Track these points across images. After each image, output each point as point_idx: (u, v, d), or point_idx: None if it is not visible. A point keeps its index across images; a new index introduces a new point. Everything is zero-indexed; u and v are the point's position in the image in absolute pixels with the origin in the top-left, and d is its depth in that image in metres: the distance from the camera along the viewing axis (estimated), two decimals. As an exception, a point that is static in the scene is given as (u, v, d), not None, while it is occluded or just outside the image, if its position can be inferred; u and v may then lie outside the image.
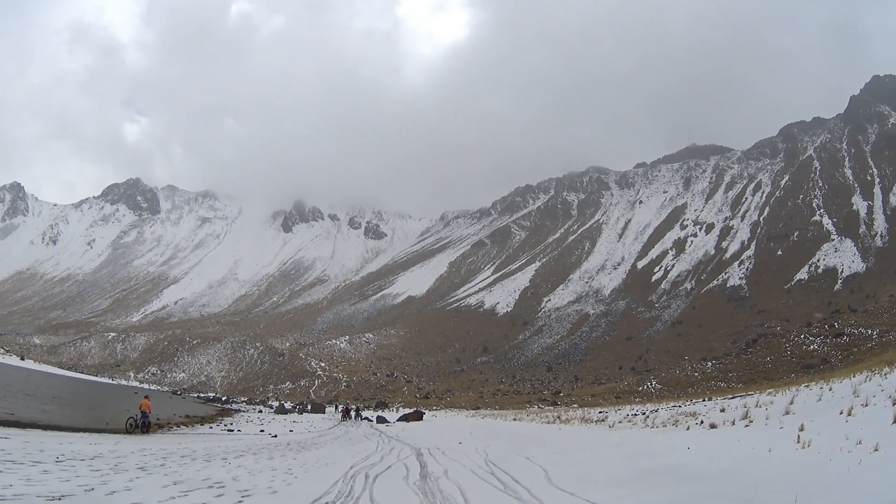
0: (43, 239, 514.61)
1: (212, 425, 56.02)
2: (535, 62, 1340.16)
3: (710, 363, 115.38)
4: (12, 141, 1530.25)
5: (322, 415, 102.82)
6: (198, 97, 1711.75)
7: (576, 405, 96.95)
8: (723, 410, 40.47)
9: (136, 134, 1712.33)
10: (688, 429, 34.43)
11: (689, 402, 60.79)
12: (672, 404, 62.42)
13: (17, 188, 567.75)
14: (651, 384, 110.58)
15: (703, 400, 61.15)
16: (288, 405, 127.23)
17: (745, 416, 32.94)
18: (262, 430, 53.77)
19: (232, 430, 51.63)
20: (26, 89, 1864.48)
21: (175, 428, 50.06)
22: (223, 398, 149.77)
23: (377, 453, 32.06)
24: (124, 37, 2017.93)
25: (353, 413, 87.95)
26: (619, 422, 47.31)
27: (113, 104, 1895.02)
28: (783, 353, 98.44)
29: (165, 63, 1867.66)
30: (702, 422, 35.63)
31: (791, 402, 33.84)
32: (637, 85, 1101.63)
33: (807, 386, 45.99)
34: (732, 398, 52.83)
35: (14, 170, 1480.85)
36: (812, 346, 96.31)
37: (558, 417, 64.20)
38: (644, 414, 51.77)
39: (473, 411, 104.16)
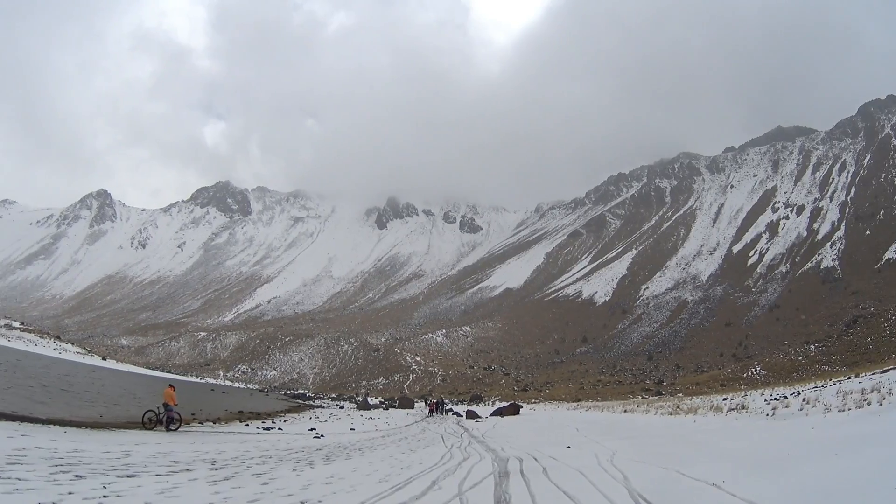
0: (132, 243, 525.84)
1: (259, 423, 49.88)
2: (607, 46, 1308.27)
3: (812, 346, 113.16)
4: (93, 150, 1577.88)
5: (409, 410, 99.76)
6: (274, 98, 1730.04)
7: (680, 394, 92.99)
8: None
9: (216, 138, 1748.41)
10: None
11: (810, 387, 52.36)
12: (791, 390, 53.38)
13: (104, 195, 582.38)
14: (755, 370, 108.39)
15: (825, 383, 52.04)
16: (373, 400, 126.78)
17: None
18: (311, 429, 46.76)
19: (271, 429, 44.59)
20: (95, 99, 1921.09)
21: (210, 424, 44.07)
22: (308, 395, 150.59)
23: (434, 470, 22.20)
24: (190, 42, 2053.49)
25: (442, 408, 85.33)
26: (771, 409, 38.11)
27: (188, 109, 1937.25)
28: (882, 334, 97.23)
29: (237, 66, 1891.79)
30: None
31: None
32: (714, 68, 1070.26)
33: None
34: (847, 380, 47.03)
35: (99, 178, 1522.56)
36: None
37: (678, 407, 55.80)
38: (784, 397, 43.19)
39: (575, 403, 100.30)
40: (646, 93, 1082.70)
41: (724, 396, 62.17)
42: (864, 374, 50.90)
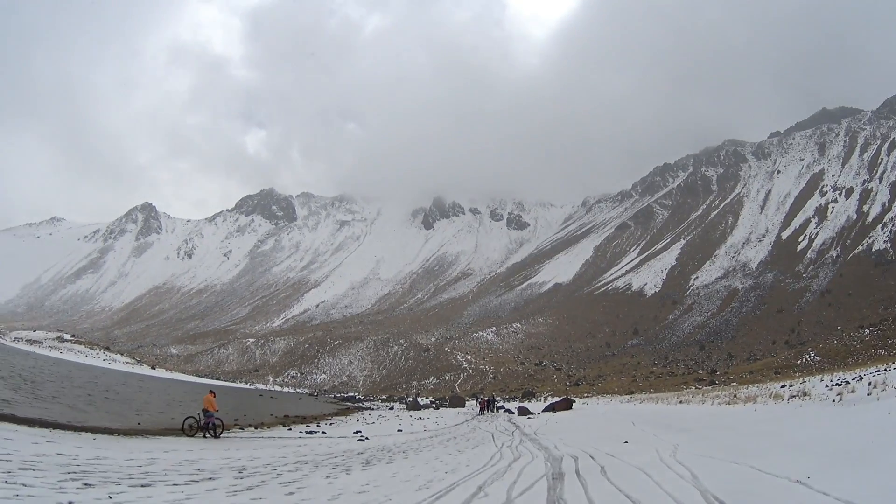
0: (178, 254, 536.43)
1: (303, 427, 48.69)
2: (645, 34, 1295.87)
3: (867, 331, 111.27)
4: (136, 165, 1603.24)
5: (460, 409, 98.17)
6: (313, 104, 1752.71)
7: (734, 383, 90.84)
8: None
9: (257, 146, 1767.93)
10: None
11: (871, 370, 50.26)
12: (850, 375, 52.04)
13: (148, 208, 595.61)
14: (809, 356, 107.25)
15: (887, 366, 50.54)
16: (424, 400, 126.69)
17: None
18: (357, 432, 45.26)
19: (314, 433, 43.43)
20: (136, 115, 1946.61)
21: (251, 430, 43.45)
22: (358, 397, 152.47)
23: (482, 473, 20.50)
24: (226, 52, 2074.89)
25: (493, 405, 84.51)
26: (836, 395, 35.84)
27: (227, 119, 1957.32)
28: None
29: (275, 73, 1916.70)
30: None
31: None
32: (755, 52, 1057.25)
33: None
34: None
35: (144, 191, 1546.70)
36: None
37: (735, 396, 53.70)
38: (846, 382, 42.21)
39: (628, 396, 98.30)
40: (687, 80, 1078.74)
41: (782, 384, 60.33)
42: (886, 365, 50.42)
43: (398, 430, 49.97)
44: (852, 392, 35.49)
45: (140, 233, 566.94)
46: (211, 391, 37.23)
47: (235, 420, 47.83)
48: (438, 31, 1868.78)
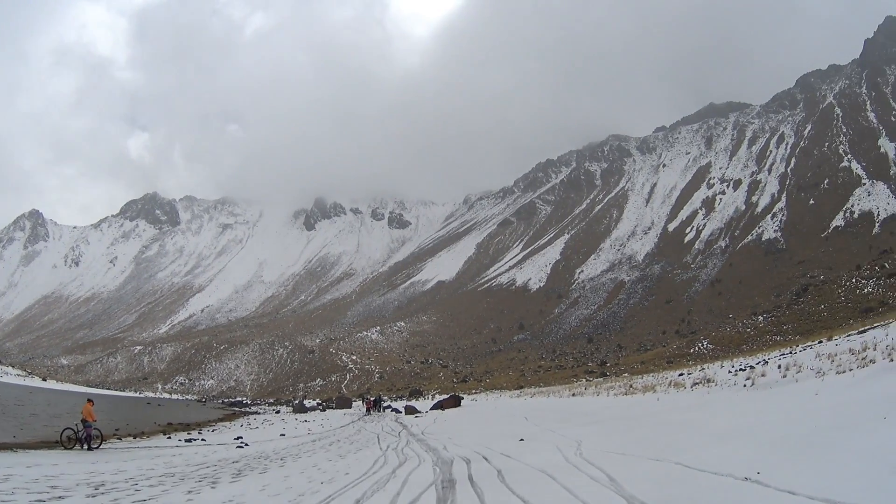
0: (65, 262, 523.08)
1: (184, 434, 47.37)
2: (527, 32, 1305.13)
3: (760, 317, 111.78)
4: (21, 171, 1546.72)
5: (347, 410, 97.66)
6: (196, 106, 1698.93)
7: (626, 374, 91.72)
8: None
9: (142, 149, 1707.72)
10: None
11: (775, 354, 51.09)
12: (750, 360, 51.94)
13: (36, 215, 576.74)
14: (702, 345, 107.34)
15: (791, 350, 50.65)
16: (310, 403, 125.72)
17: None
18: (238, 438, 43.61)
19: (193, 441, 41.72)
20: (20, 118, 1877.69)
21: (130, 439, 41.52)
22: (245, 402, 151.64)
23: (362, 483, 17.98)
24: (111, 53, 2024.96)
25: (380, 405, 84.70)
26: (745, 380, 35.04)
27: (112, 122, 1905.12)
28: (837, 300, 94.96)
29: (159, 75, 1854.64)
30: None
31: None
32: (641, 50, 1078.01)
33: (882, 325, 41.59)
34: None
35: (30, 198, 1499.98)
36: (866, 290, 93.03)
37: (631, 386, 53.27)
38: (749, 367, 41.79)
39: (518, 391, 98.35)
40: (570, 78, 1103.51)
41: (679, 372, 61.31)
42: (836, 336, 49.16)
43: (281, 435, 48.56)
44: (762, 376, 34.35)
45: (28, 241, 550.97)
46: (89, 399, 34.98)
47: (116, 430, 46.24)
48: (319, 31, 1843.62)
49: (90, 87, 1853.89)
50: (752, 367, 41.68)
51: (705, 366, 62.39)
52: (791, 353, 45.72)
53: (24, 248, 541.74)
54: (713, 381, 39.63)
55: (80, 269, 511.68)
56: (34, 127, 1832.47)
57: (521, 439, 26.43)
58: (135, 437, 42.99)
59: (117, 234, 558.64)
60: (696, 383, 41.60)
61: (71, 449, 31.25)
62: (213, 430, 54.53)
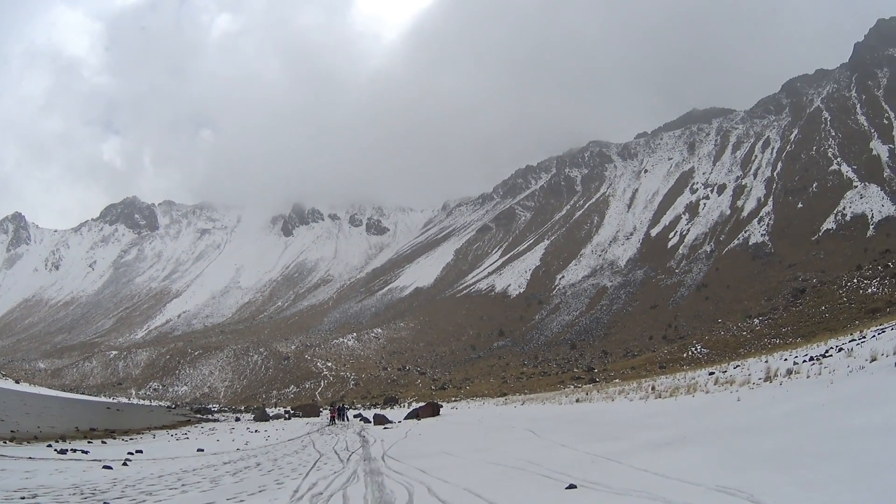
0: (46, 265, 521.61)
1: (94, 443, 42.17)
2: (500, 38, 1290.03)
3: (756, 320, 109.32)
4: (2, 173, 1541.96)
5: (311, 419, 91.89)
6: (167, 110, 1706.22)
7: (616, 380, 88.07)
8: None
9: (119, 154, 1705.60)
10: None
11: (801, 353, 44.64)
12: (772, 360, 45.57)
13: (18, 218, 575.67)
14: (696, 349, 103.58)
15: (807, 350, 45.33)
16: (276, 410, 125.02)
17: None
18: (136, 451, 37.42)
19: (73, 452, 35.27)
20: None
21: (17, 445, 36.36)
22: (213, 408, 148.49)
23: None
24: (87, 56, 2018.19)
25: (344, 414, 79.82)
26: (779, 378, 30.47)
27: (88, 126, 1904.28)
28: (839, 301, 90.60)
29: (132, 78, 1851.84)
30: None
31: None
32: (621, 56, 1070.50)
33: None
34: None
35: (11, 201, 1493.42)
36: (870, 290, 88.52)
37: (652, 388, 45.31)
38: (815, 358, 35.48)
39: (502, 398, 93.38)
40: (548, 84, 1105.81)
41: (712, 370, 53.78)
42: (853, 333, 46.86)
43: (199, 451, 40.68)
44: (832, 372, 28.15)
45: (11, 244, 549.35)
46: None
47: (12, 431, 42.83)
48: (288, 32, 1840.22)
49: (65, 90, 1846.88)
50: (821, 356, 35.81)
51: (742, 361, 55.90)
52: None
53: (7, 250, 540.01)
54: (798, 373, 31.86)
55: (60, 273, 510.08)
56: (11, 129, 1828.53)
57: (571, 486, 14.74)
58: (27, 443, 38.48)
59: (97, 239, 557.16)
60: (773, 376, 33.49)
61: None
62: (142, 438, 49.95)
